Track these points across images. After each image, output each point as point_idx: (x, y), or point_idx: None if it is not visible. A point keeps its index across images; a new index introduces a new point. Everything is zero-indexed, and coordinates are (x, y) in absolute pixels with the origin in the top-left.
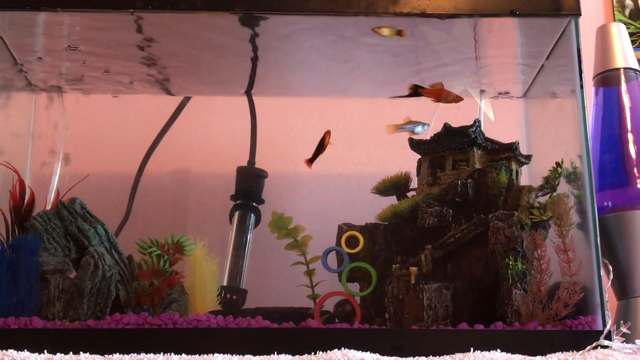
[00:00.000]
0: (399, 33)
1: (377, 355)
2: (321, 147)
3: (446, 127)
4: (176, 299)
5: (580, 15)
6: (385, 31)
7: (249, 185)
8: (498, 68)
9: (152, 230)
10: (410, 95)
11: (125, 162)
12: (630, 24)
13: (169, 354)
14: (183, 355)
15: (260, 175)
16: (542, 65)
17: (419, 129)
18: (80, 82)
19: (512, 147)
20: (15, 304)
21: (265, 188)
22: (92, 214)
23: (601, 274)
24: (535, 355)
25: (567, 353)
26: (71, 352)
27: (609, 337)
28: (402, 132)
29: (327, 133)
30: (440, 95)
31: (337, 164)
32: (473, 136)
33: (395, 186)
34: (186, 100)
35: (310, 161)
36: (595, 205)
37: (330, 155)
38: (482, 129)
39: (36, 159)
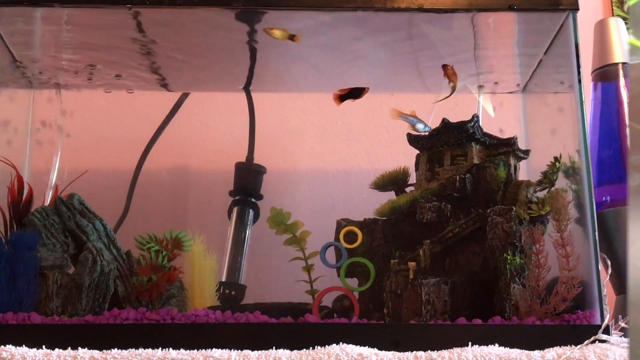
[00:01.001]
0: (292, 38)
1: (376, 350)
2: (355, 93)
3: (444, 122)
4: (175, 294)
5: (578, 9)
6: (277, 33)
7: (248, 181)
8: (496, 63)
9: (151, 226)
10: (453, 89)
11: (124, 159)
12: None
13: (167, 349)
14: (181, 350)
15: (259, 171)
16: (541, 60)
17: (420, 125)
18: (78, 78)
19: (510, 142)
20: (13, 300)
21: (263, 184)
22: (90, 210)
23: (599, 268)
24: (533, 349)
25: (565, 347)
26: (69, 348)
27: (607, 331)
28: (404, 121)
29: (367, 89)
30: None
31: (335, 159)
32: (471, 131)
33: (393, 181)
34: (184, 96)
35: (340, 98)
36: (594, 200)
37: (329, 150)
38: (480, 124)
39: (34, 154)
